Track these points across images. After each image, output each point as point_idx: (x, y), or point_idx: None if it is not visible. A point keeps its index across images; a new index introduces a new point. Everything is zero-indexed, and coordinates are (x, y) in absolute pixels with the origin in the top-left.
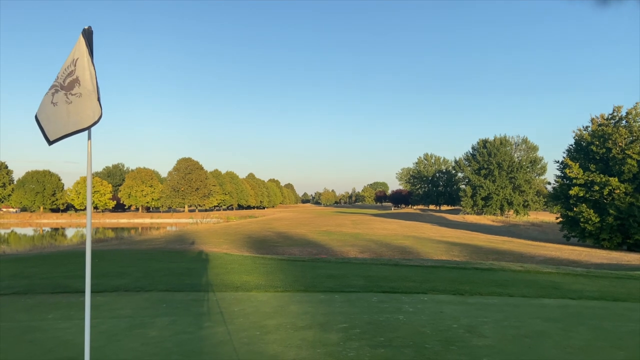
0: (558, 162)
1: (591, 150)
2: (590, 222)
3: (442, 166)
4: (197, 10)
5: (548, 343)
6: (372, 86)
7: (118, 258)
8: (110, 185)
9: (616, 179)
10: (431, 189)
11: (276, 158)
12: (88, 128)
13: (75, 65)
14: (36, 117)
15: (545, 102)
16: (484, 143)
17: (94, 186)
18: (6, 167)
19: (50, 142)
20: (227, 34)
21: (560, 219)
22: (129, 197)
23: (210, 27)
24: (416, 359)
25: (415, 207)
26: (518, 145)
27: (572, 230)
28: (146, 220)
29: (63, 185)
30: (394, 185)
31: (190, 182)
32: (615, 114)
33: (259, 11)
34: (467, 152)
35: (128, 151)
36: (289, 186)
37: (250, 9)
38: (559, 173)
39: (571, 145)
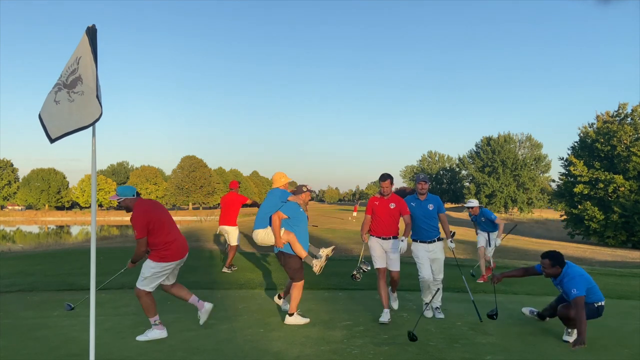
0: (562, 159)
1: (596, 147)
2: (594, 219)
3: (446, 164)
4: (201, 7)
5: (552, 341)
6: (375, 83)
7: (123, 255)
8: (114, 183)
9: (621, 177)
10: (435, 186)
11: (280, 156)
12: (89, 126)
13: (78, 64)
14: (39, 115)
15: (549, 99)
16: (488, 140)
17: (98, 184)
18: (11, 165)
19: (52, 140)
20: (231, 32)
21: (565, 217)
22: None
23: (214, 24)
24: (420, 356)
25: None
26: (522, 142)
27: (577, 227)
28: None
29: (68, 183)
30: (398, 182)
31: (195, 180)
32: (620, 111)
33: (261, 8)
34: (471, 150)
35: (132, 149)
36: (293, 184)
37: (252, 6)
38: (563, 170)
39: (576, 142)
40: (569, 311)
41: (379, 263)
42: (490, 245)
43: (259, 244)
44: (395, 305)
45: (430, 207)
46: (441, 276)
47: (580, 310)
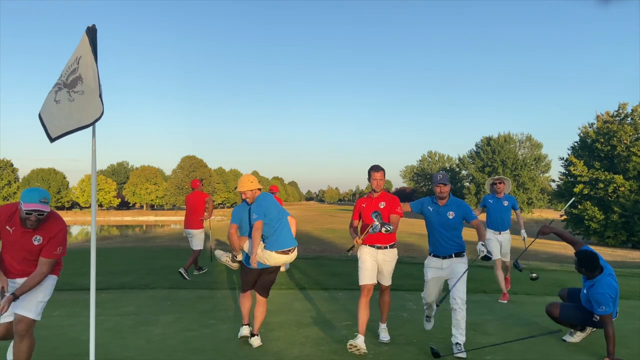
0: (562, 159)
1: (596, 147)
2: (594, 219)
3: (446, 164)
4: (200, 7)
5: (552, 341)
6: (375, 84)
7: (123, 255)
8: (114, 183)
9: (621, 177)
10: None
11: (280, 156)
12: (89, 125)
13: (78, 63)
14: (39, 114)
15: (550, 99)
16: (488, 140)
17: (98, 184)
18: (11, 165)
19: (52, 139)
20: (231, 31)
21: (565, 217)
22: (134, 195)
23: (215, 24)
24: (420, 356)
25: None
26: (522, 142)
27: (577, 227)
28: (150, 217)
29: (68, 183)
30: (398, 182)
31: None
32: (620, 111)
33: (261, 8)
34: (471, 150)
35: (132, 149)
36: (293, 184)
37: (252, 6)
38: (563, 170)
39: (576, 142)
40: (553, 310)
41: (366, 279)
42: (502, 250)
43: (277, 264)
44: (384, 336)
45: (451, 215)
46: (461, 296)
47: (609, 326)
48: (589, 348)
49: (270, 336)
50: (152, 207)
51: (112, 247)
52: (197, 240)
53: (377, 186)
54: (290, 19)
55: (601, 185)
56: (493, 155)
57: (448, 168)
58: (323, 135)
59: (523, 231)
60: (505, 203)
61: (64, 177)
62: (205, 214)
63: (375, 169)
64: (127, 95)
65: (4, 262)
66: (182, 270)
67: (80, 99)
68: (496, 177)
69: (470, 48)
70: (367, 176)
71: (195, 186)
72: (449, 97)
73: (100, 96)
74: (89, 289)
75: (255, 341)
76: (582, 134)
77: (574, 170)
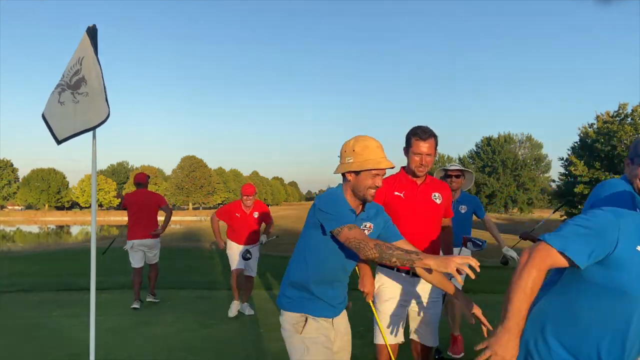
0: (562, 159)
1: (596, 147)
2: None
3: (446, 164)
4: (200, 9)
5: None
6: (375, 83)
7: (123, 255)
8: (114, 183)
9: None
10: None
11: (280, 156)
12: (95, 127)
13: (81, 64)
14: (43, 116)
15: (549, 98)
16: (488, 141)
17: (98, 184)
18: (11, 165)
19: (59, 142)
20: (231, 31)
21: (565, 217)
22: None
23: (215, 24)
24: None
25: None
26: (522, 142)
27: None
28: None
29: (68, 183)
30: None
31: (194, 180)
32: (620, 111)
33: (260, 10)
34: (471, 150)
35: (132, 149)
36: (293, 184)
37: (253, 6)
38: (563, 170)
39: (576, 142)
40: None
41: (397, 336)
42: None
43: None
44: None
45: (463, 209)
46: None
47: None
48: None
49: (270, 336)
50: None
51: (112, 246)
52: (156, 252)
53: (421, 166)
54: (291, 19)
55: None
56: (493, 155)
57: None
58: (323, 134)
59: (508, 250)
60: (463, 209)
61: (64, 177)
62: (159, 228)
63: (422, 135)
64: (127, 95)
65: None
66: (150, 298)
67: (84, 101)
68: (452, 165)
69: (469, 47)
70: (403, 149)
71: (144, 181)
72: (449, 97)
73: (106, 98)
74: (89, 289)
75: None
76: (582, 134)
77: (574, 170)
